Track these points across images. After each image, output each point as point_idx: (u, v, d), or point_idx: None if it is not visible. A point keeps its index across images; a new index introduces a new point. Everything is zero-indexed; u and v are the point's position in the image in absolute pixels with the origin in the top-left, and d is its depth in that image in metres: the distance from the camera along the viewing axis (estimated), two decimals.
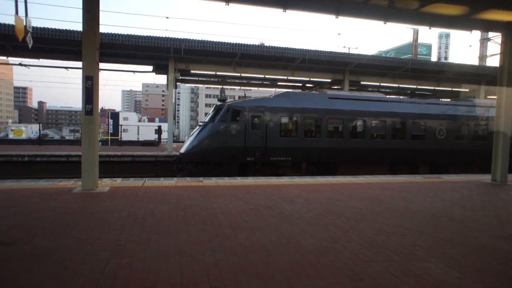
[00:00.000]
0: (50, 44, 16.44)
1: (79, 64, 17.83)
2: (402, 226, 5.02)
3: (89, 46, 7.13)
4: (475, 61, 29.25)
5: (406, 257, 3.76)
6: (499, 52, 10.58)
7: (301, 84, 24.91)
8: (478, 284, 3.16)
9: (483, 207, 6.55)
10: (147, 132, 35.42)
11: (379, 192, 7.88)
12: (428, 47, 60.97)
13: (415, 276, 3.27)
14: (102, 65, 17.27)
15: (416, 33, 53.52)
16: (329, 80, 22.36)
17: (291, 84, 24.94)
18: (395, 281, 3.15)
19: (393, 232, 4.68)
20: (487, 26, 10.48)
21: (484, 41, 26.97)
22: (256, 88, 30.88)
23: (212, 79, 24.15)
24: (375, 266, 3.48)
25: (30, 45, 7.06)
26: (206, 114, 24.09)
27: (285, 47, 18.52)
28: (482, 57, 26.98)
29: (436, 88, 24.26)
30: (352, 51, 40.80)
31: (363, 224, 5.07)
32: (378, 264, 3.54)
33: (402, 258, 3.71)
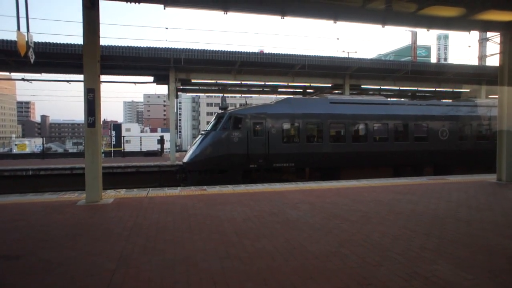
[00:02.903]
0: (52, 58, 16.57)
1: (80, 77, 17.95)
2: (408, 228, 4.98)
3: (90, 59, 7.20)
4: (474, 61, 29.27)
5: (414, 259, 3.73)
6: (498, 51, 10.59)
7: (301, 90, 24.95)
8: (488, 285, 3.12)
9: (489, 207, 6.50)
10: (150, 143, 35.52)
11: (383, 195, 7.84)
12: (427, 49, 61.08)
13: (423, 279, 3.24)
14: (103, 77, 17.40)
15: (414, 35, 53.67)
16: (330, 85, 22.38)
17: (291, 90, 24.98)
18: (404, 284, 3.12)
19: (400, 235, 4.65)
20: (485, 27, 10.50)
21: (483, 41, 27.03)
22: (257, 95, 30.99)
23: (213, 88, 24.22)
24: (383, 269, 3.45)
25: (32, 60, 7.12)
26: (208, 122, 24.18)
27: (284, 54, 18.59)
28: (482, 57, 27.00)
29: (437, 89, 24.23)
30: (352, 55, 40.95)
31: (369, 227, 5.04)
32: (385, 267, 3.51)
33: (409, 261, 3.68)
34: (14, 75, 19.93)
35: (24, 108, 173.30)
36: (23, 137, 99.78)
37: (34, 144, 56.39)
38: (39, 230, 5.03)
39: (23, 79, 19.34)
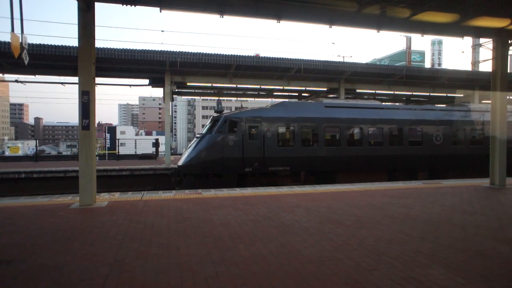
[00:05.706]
0: (46, 60, 16.48)
1: (75, 79, 17.86)
2: (402, 232, 5.00)
3: (85, 61, 7.16)
4: (468, 67, 29.59)
5: (408, 264, 3.74)
6: (491, 57, 10.71)
7: (297, 94, 25.04)
8: None
9: (483, 211, 6.55)
10: (145, 146, 35.29)
11: (378, 199, 7.86)
12: (422, 54, 61.73)
13: (418, 283, 3.25)
14: (98, 80, 17.32)
15: (409, 40, 54.20)
16: (325, 89, 22.49)
17: (287, 94, 25.07)
18: None
19: (394, 239, 4.66)
20: (478, 33, 10.62)
21: (476, 47, 27.36)
22: (253, 99, 31.03)
23: (208, 91, 24.25)
24: (377, 274, 3.46)
25: (26, 62, 7.06)
26: (203, 126, 24.12)
27: (280, 58, 18.65)
28: (475, 62, 27.33)
29: (431, 94, 24.46)
30: (347, 60, 41.20)
31: (364, 231, 5.05)
32: (380, 272, 3.51)
33: (404, 265, 3.69)
34: (8, 76, 19.84)
35: (17, 110, 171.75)
36: (16, 140, 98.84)
37: (27, 147, 55.78)
38: (31, 234, 4.97)
39: (16, 81, 19.21)
